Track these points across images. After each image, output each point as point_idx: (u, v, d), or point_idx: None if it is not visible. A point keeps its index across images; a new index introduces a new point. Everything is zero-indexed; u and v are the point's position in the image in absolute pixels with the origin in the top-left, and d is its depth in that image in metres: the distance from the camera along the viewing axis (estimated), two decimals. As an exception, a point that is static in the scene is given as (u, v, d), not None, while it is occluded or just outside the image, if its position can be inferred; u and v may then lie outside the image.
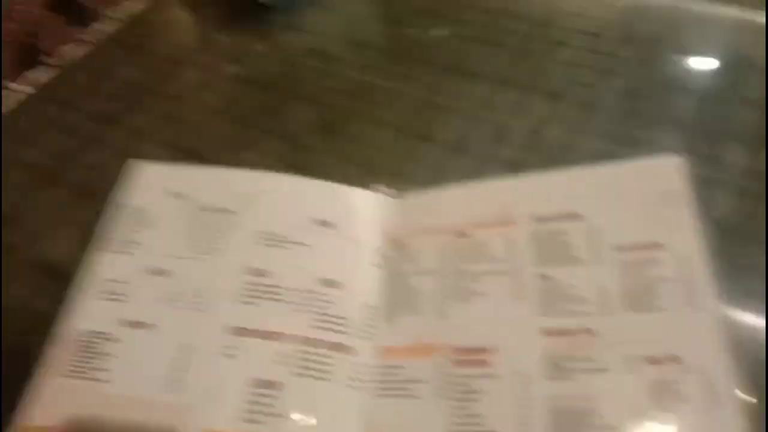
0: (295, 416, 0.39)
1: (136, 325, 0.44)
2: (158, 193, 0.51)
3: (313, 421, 0.39)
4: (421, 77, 0.62)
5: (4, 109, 0.69)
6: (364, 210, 0.49)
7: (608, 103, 0.57)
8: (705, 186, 0.44)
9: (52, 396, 0.42)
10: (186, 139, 0.62)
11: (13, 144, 0.65)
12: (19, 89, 0.70)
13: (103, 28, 0.76)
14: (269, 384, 0.40)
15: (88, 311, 0.45)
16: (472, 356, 0.40)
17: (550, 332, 0.39)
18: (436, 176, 0.54)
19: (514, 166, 0.54)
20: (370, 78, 0.64)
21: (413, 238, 0.47)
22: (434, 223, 0.47)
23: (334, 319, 0.43)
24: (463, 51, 0.64)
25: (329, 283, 0.45)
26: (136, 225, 0.49)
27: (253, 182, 0.51)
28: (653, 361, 0.37)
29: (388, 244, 0.47)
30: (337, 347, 0.42)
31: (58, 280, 0.53)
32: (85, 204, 0.59)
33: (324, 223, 0.48)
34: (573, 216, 0.44)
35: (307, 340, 0.42)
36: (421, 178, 0.53)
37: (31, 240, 0.57)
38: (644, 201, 0.43)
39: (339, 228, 0.48)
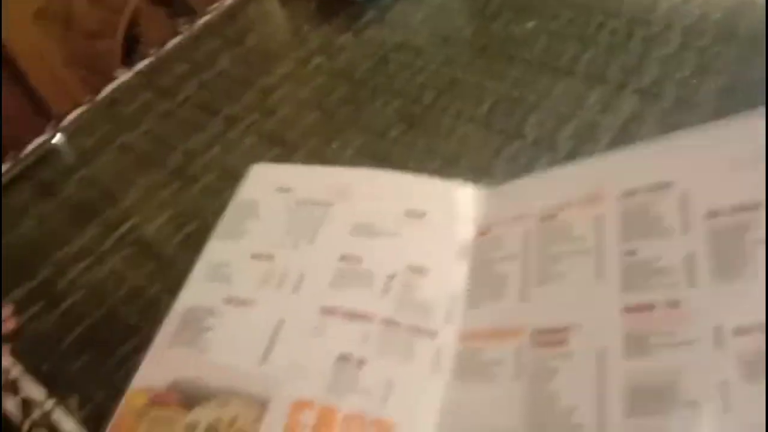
0: (377, 392, 0.41)
1: (238, 303, 0.48)
2: (267, 188, 0.55)
3: (393, 397, 0.41)
4: (508, 73, 0.62)
5: (106, 94, 0.73)
6: (453, 201, 0.50)
7: (704, 102, 0.55)
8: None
9: (159, 362, 0.47)
10: (276, 129, 0.64)
11: (113, 127, 0.69)
12: (120, 76, 0.74)
13: (201, 20, 0.79)
14: (353, 360, 0.43)
15: (197, 290, 0.50)
16: (552, 336, 0.39)
17: (632, 308, 0.38)
18: (521, 172, 0.53)
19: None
20: (457, 72, 0.64)
21: (500, 227, 0.47)
22: (521, 209, 0.47)
23: (419, 304, 0.45)
24: (553, 47, 0.63)
25: (417, 270, 0.46)
26: (245, 216, 0.54)
27: (348, 177, 0.54)
28: (744, 331, 0.34)
29: (476, 234, 0.48)
30: (421, 331, 0.43)
31: (151, 257, 0.57)
32: (181, 187, 0.62)
33: (414, 214, 0.50)
34: (663, 185, 0.42)
35: (391, 323, 0.44)
36: (506, 174, 0.53)
37: (126, 218, 0.60)
38: (736, 162, 0.40)
39: (429, 219, 0.49)
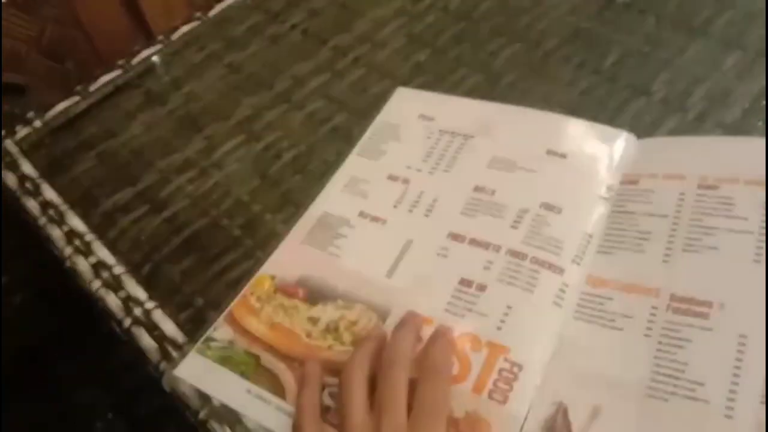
0: (494, 315, 0.42)
1: (372, 218, 0.50)
2: (409, 114, 0.56)
3: (510, 322, 0.41)
4: (640, 27, 0.59)
5: (217, 12, 0.72)
6: (600, 145, 0.49)
7: None
8: None
9: (290, 256, 0.49)
10: (385, 62, 0.63)
11: (222, 46, 0.69)
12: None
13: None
14: (474, 284, 0.43)
15: (334, 198, 0.52)
16: (693, 307, 0.39)
17: None
18: (646, 131, 0.51)
19: (734, 131, 0.50)
20: (585, 23, 0.61)
21: (650, 180, 0.46)
22: (678, 168, 0.46)
23: (548, 240, 0.45)
24: (690, 5, 0.59)
25: (550, 207, 0.46)
26: (386, 137, 0.55)
27: (494, 111, 0.54)
28: None
29: (621, 181, 0.47)
30: (547, 265, 0.43)
31: (256, 175, 0.57)
32: (287, 111, 0.61)
33: (555, 153, 0.49)
34: None
35: (517, 254, 0.44)
36: (628, 131, 0.51)
37: (232, 135, 0.60)
38: None
39: (570, 159, 0.49)
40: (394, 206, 0.50)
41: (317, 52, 0.66)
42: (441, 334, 0.41)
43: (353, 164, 0.54)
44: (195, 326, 0.47)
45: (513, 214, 0.46)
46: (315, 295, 0.46)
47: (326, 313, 0.45)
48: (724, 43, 0.56)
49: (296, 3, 0.72)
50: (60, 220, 0.56)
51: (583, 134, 0.50)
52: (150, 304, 0.50)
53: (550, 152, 0.49)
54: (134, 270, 0.52)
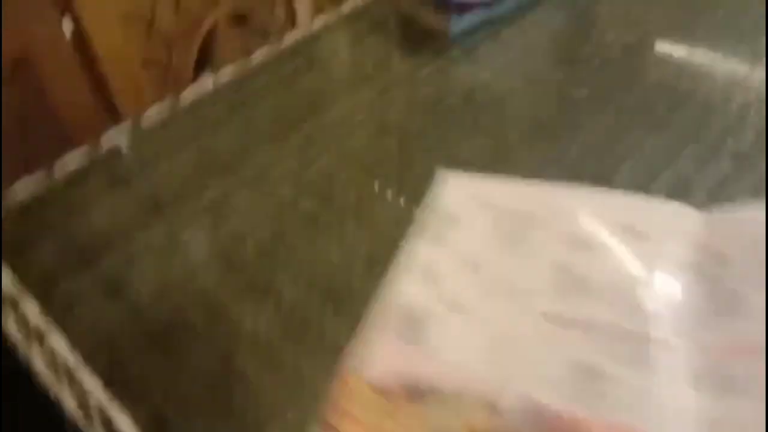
0: (624, 400, 0.40)
1: (453, 306, 0.47)
2: (464, 198, 0.55)
3: (643, 407, 0.39)
4: (600, 119, 0.61)
5: (185, 98, 0.73)
6: (671, 219, 0.50)
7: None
8: None
9: (380, 353, 0.45)
10: (358, 151, 0.64)
11: (189, 130, 0.69)
12: (200, 84, 0.75)
13: (283, 42, 0.80)
14: (589, 368, 0.41)
15: (408, 288, 0.49)
16: None
17: None
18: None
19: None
20: (545, 114, 0.63)
21: (729, 249, 0.47)
22: (753, 236, 0.47)
23: (645, 314, 0.44)
24: (650, 98, 0.63)
25: (637, 282, 0.46)
26: (445, 223, 0.53)
27: (556, 192, 0.55)
28: None
29: (699, 251, 0.48)
30: (653, 340, 0.42)
31: (221, 261, 0.56)
32: (257, 197, 0.61)
33: (629, 230, 0.49)
34: None
35: (616, 329, 0.43)
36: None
37: (198, 220, 0.60)
38: None
39: (646, 234, 0.49)
40: (474, 293, 0.48)
41: (288, 138, 0.67)
42: None
43: (421, 253, 0.51)
44: (152, 424, 0.45)
45: (599, 290, 0.46)
46: (413, 392, 0.42)
47: (434, 411, 0.41)
48: (681, 135, 0.59)
49: (267, 92, 0.73)
50: (14, 304, 0.54)
51: (653, 209, 0.52)
52: (105, 398, 0.47)
53: (622, 228, 0.49)
54: (90, 359, 0.50)
